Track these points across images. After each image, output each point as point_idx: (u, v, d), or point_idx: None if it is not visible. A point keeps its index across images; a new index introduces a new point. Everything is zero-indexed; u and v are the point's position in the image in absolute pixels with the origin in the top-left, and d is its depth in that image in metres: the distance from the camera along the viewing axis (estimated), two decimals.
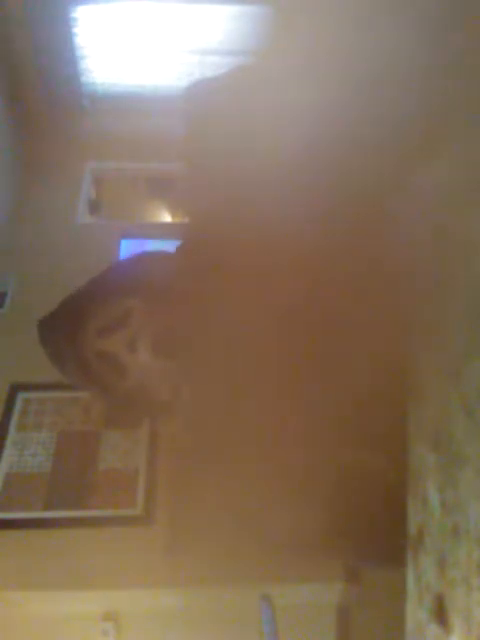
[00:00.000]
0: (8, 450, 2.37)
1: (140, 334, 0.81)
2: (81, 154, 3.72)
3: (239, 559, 2.00)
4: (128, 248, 3.30)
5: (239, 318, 0.70)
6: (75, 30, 3.29)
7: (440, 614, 0.37)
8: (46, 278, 2.98)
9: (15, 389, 2.54)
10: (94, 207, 3.77)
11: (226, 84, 0.79)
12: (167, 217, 4.17)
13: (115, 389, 0.85)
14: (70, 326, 0.87)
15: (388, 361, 0.57)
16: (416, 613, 0.41)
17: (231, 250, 0.69)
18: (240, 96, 0.73)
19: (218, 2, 3.19)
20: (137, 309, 0.82)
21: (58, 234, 3.26)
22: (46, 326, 0.94)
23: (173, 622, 2.07)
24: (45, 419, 2.46)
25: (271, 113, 0.65)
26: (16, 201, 3.42)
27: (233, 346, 0.71)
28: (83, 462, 2.33)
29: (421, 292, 0.53)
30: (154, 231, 3.58)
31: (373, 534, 0.73)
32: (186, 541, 2.10)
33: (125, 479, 2.29)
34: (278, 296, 0.67)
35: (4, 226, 3.25)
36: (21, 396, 2.52)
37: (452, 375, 0.41)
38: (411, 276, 0.54)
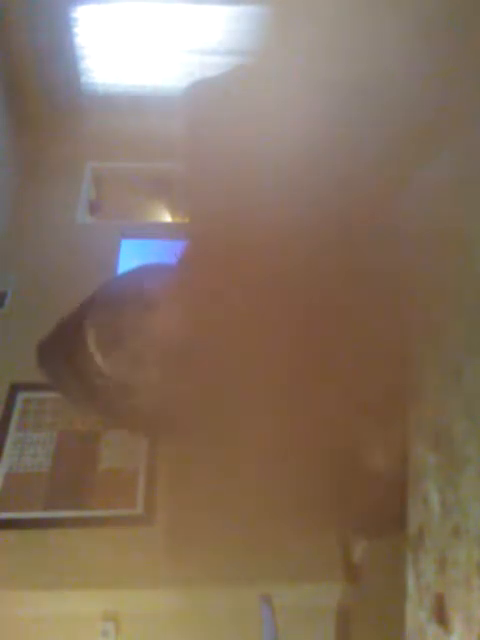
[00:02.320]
0: (8, 450, 2.37)
1: (143, 348, 0.79)
2: (81, 154, 3.72)
3: (239, 559, 2.00)
4: (128, 248, 3.30)
5: (241, 321, 0.70)
6: (75, 30, 3.29)
7: (440, 614, 0.37)
8: (46, 278, 2.98)
9: (15, 389, 2.54)
10: (94, 207, 3.77)
11: (226, 84, 0.79)
12: (167, 217, 4.17)
13: (121, 407, 0.83)
14: (69, 346, 0.85)
15: (389, 360, 0.57)
16: (416, 613, 0.40)
17: (233, 250, 0.69)
18: (240, 96, 0.73)
19: (218, 2, 3.19)
20: (138, 323, 0.80)
21: (58, 234, 3.26)
22: (44, 349, 0.91)
23: (173, 622, 2.07)
24: (45, 419, 2.46)
25: (271, 113, 0.65)
26: (16, 201, 3.42)
27: (234, 349, 0.71)
28: (83, 462, 2.33)
29: (422, 292, 0.53)
30: (154, 231, 3.57)
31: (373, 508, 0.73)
32: (186, 541, 2.10)
33: (125, 479, 2.29)
34: (279, 296, 0.67)
35: (4, 226, 3.25)
36: (21, 396, 2.52)
37: (452, 375, 0.41)
38: (412, 276, 0.54)
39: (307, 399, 0.69)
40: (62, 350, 0.86)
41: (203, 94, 0.81)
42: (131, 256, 3.27)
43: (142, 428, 1.02)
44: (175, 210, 3.99)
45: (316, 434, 0.69)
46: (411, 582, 0.42)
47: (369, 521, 0.79)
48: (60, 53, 3.35)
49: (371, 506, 0.72)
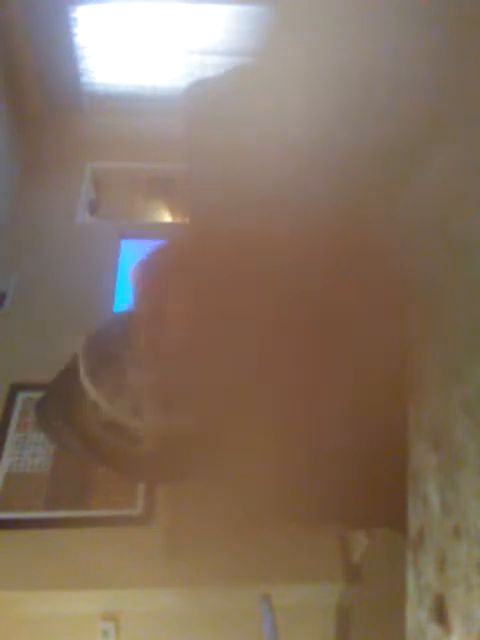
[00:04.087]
0: (8, 450, 2.37)
1: (140, 394, 0.78)
2: (81, 154, 3.72)
3: (239, 559, 2.00)
4: (128, 248, 3.30)
5: (241, 325, 0.70)
6: (75, 30, 3.29)
7: (440, 614, 0.37)
8: (46, 278, 2.99)
9: (15, 389, 2.54)
10: (94, 207, 3.77)
11: (226, 84, 0.79)
12: (167, 217, 4.17)
13: (131, 459, 0.81)
14: (66, 405, 0.83)
15: (388, 360, 0.57)
16: (416, 613, 0.41)
17: (232, 251, 0.69)
18: (240, 96, 0.73)
19: (218, 2, 3.19)
20: (130, 370, 0.79)
21: (58, 234, 3.26)
22: (42, 410, 0.90)
23: (173, 622, 2.07)
24: None
25: (271, 113, 0.65)
26: (16, 201, 3.42)
27: (233, 360, 0.71)
28: (83, 462, 2.33)
29: (421, 291, 0.53)
30: (154, 231, 3.57)
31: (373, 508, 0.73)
32: (186, 541, 2.10)
33: (125, 479, 2.29)
34: (279, 296, 0.67)
35: (4, 226, 3.25)
36: (21, 396, 2.52)
37: (453, 374, 0.41)
38: (412, 275, 0.54)
39: (307, 400, 0.69)
40: (60, 408, 0.85)
41: (203, 94, 0.81)
42: (131, 256, 3.27)
43: (141, 475, 1.01)
44: (175, 210, 3.99)
45: (317, 435, 0.69)
46: (411, 582, 0.42)
47: (369, 519, 0.79)
48: (60, 53, 3.35)
49: (371, 505, 0.72)
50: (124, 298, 3.02)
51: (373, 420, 0.63)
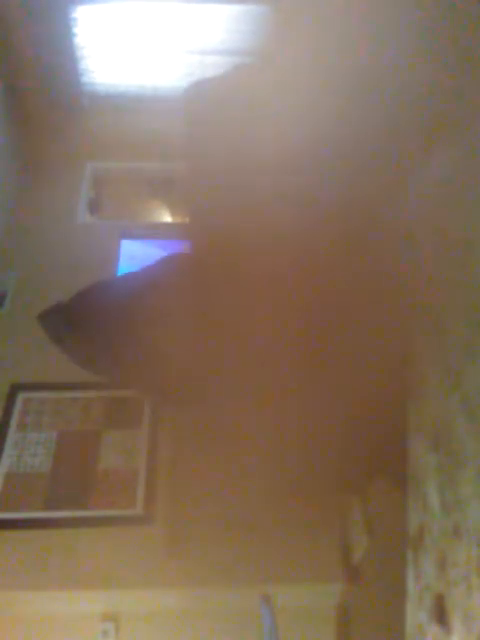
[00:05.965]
0: (8, 450, 2.37)
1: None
2: (81, 154, 3.72)
3: (239, 559, 2.00)
4: (128, 248, 3.30)
5: (247, 317, 0.70)
6: (75, 30, 3.29)
7: (440, 614, 0.37)
8: (46, 278, 2.98)
9: (15, 389, 2.54)
10: (94, 207, 3.77)
11: (226, 84, 0.79)
12: (167, 217, 4.17)
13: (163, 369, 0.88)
14: (140, 314, 0.91)
15: (389, 360, 0.57)
16: (416, 613, 0.40)
17: (233, 248, 0.69)
18: (240, 96, 0.73)
19: (218, 2, 3.19)
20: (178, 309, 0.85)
21: (58, 234, 3.26)
22: (58, 323, 0.97)
23: (173, 622, 2.07)
24: (45, 419, 2.46)
25: (271, 113, 0.65)
26: (16, 201, 3.42)
27: (240, 345, 0.72)
28: (83, 462, 2.33)
29: (421, 292, 0.53)
30: (154, 231, 3.57)
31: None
32: (186, 541, 2.10)
33: (125, 479, 2.29)
34: (281, 296, 0.67)
35: (4, 226, 3.25)
36: (21, 396, 2.52)
37: (452, 375, 0.41)
38: (412, 276, 0.54)
39: (310, 396, 0.69)
40: (90, 322, 0.91)
41: (203, 94, 0.81)
42: (131, 256, 3.27)
43: (154, 386, 1.08)
44: (175, 210, 3.99)
45: (319, 407, 0.69)
46: (411, 582, 0.42)
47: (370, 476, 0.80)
48: (60, 53, 3.35)
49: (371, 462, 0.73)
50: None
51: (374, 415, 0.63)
